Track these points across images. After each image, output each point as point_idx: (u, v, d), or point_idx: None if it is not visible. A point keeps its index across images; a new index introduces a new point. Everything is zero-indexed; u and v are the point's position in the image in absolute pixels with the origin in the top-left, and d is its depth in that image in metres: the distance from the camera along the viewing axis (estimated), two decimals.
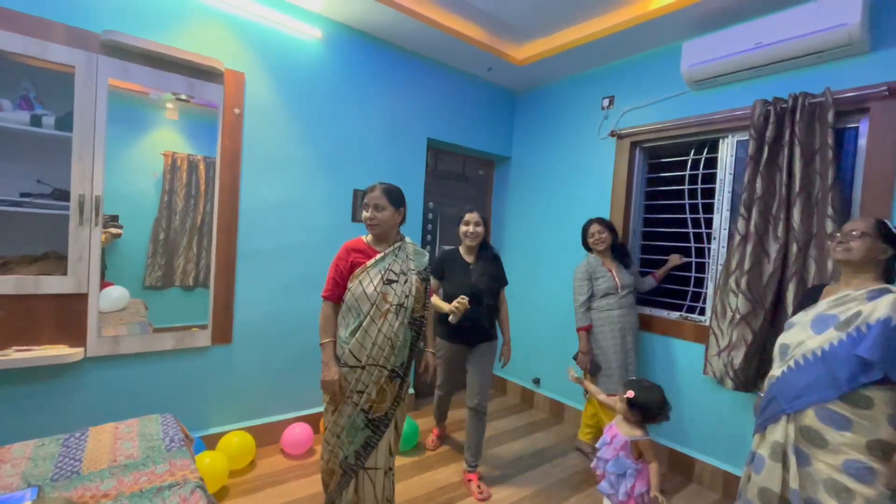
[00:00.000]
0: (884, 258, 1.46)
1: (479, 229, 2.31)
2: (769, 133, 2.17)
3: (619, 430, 1.81)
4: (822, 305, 1.52)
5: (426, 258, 1.89)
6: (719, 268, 2.47)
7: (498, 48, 3.10)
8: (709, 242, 2.60)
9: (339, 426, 1.67)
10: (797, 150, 2.08)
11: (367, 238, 1.82)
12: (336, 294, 1.72)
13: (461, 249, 2.39)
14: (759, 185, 2.18)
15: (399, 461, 2.47)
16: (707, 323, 2.52)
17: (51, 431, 1.76)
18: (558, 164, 3.38)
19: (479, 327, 2.29)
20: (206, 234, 2.36)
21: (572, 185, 3.27)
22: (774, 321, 2.13)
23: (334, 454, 1.68)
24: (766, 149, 2.17)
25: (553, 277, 3.33)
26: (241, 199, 2.40)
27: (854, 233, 1.47)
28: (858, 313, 1.40)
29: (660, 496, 1.67)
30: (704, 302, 2.60)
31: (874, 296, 1.40)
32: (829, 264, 1.95)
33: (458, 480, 2.36)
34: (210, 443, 2.29)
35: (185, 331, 2.26)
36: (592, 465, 1.89)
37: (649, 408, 1.75)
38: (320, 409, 2.71)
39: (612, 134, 2.97)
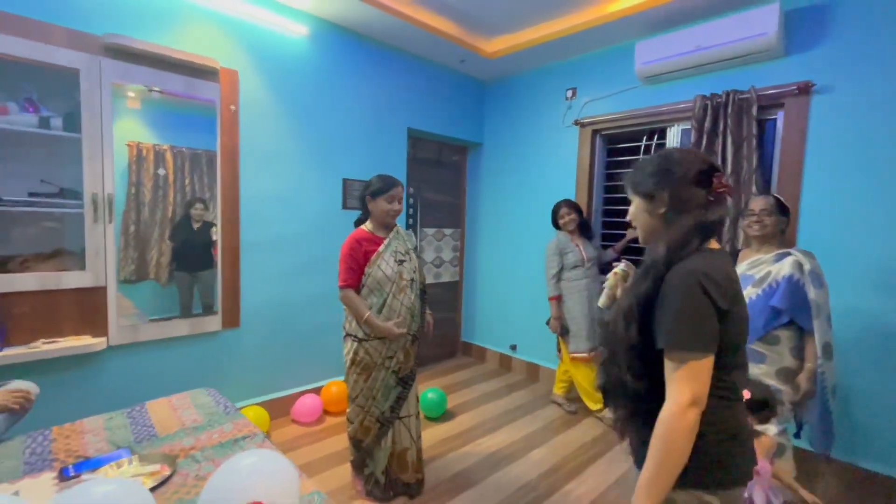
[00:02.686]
0: (782, 227, 1.89)
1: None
2: (707, 123, 2.56)
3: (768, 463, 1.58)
4: (742, 267, 1.93)
5: (413, 238, 2.19)
6: None
7: (470, 42, 3.33)
8: None
9: (375, 389, 1.95)
10: (729, 139, 2.49)
11: (368, 227, 2.06)
12: (355, 281, 1.95)
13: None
14: None
15: None
16: None
17: (82, 416, 1.90)
18: (527, 150, 3.69)
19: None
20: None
21: (540, 168, 3.60)
22: None
23: (370, 413, 1.97)
24: (704, 137, 2.57)
25: (525, 253, 3.68)
26: (241, 192, 2.55)
27: (765, 211, 1.87)
28: (769, 273, 1.82)
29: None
30: None
31: (779, 258, 1.82)
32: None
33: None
34: None
35: (197, 317, 2.42)
36: None
37: (767, 403, 1.63)
38: (325, 381, 2.96)
39: (576, 122, 3.31)
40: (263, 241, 2.67)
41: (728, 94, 2.49)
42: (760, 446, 1.78)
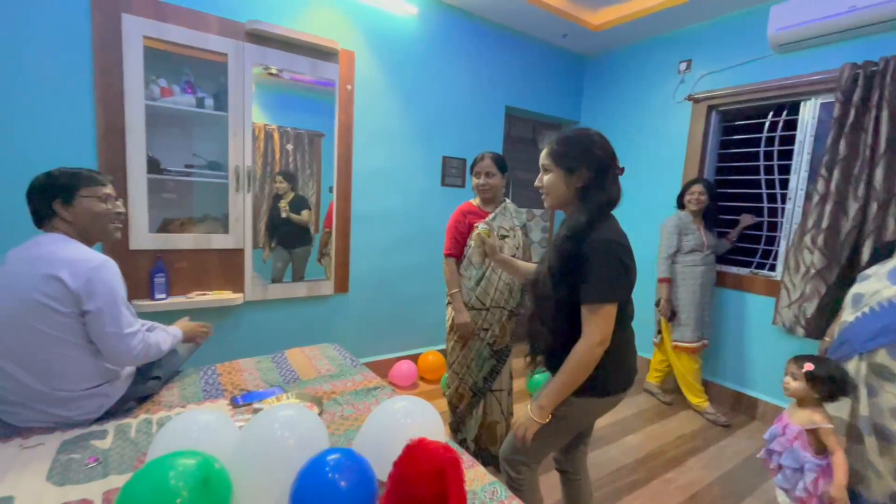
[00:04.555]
0: None
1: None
2: (856, 95, 2.26)
3: (792, 420, 1.66)
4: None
5: (524, 215, 2.17)
6: (793, 227, 2.62)
7: (575, 14, 3.20)
8: (783, 203, 2.74)
9: (470, 358, 2.02)
10: (885, 113, 2.18)
11: (475, 202, 2.10)
12: (457, 251, 2.01)
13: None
14: (842, 146, 2.30)
15: None
16: (778, 278, 2.70)
17: (228, 359, 2.19)
18: (629, 128, 3.51)
19: None
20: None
21: (643, 148, 3.41)
22: (847, 275, 2.30)
23: (464, 381, 2.05)
24: (852, 111, 2.27)
25: None
26: (353, 168, 2.72)
27: None
28: None
29: (841, 497, 1.47)
30: (775, 259, 2.78)
31: None
32: None
33: None
34: None
35: (314, 281, 2.66)
36: (759, 454, 1.77)
37: (835, 380, 1.58)
38: (422, 350, 3.13)
39: (689, 98, 3.07)
40: (370, 214, 2.84)
41: (887, 61, 2.17)
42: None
